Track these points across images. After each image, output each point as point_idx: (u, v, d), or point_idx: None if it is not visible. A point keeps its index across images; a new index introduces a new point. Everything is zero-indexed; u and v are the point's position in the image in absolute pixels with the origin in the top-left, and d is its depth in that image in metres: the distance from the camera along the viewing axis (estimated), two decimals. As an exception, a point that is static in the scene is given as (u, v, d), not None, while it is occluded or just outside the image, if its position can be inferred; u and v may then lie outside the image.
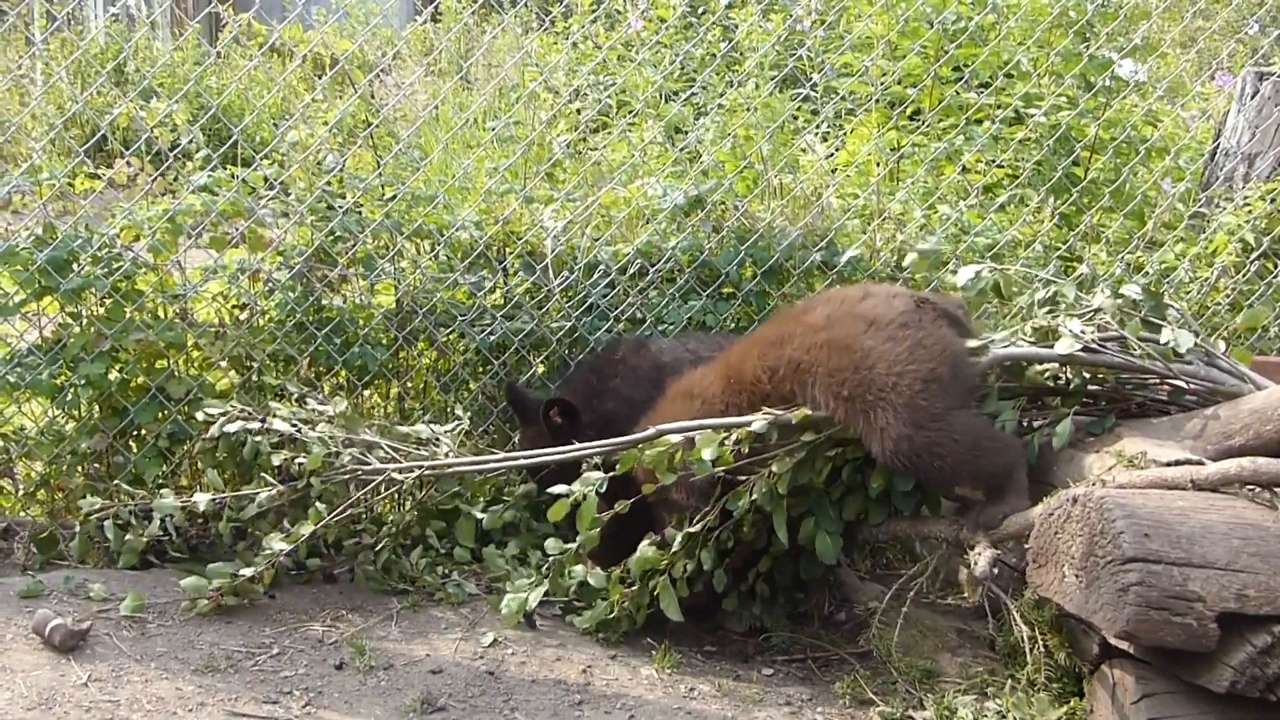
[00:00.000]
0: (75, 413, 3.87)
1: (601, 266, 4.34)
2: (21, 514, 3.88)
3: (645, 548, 3.31)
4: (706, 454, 3.18)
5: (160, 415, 3.84)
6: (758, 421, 3.23)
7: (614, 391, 3.85)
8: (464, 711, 2.96)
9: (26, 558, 3.67)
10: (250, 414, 3.60)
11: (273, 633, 3.28)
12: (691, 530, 3.27)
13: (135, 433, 3.87)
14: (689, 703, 3.09)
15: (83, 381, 3.75)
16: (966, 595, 3.77)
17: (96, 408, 3.86)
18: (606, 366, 3.96)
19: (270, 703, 2.91)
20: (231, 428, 3.56)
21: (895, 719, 3.07)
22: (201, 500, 3.51)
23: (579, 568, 3.44)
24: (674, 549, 3.28)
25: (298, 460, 3.49)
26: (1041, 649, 3.09)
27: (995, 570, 3.21)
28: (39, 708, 2.79)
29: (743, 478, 3.27)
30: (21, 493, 3.89)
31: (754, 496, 3.21)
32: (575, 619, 3.46)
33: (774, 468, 3.20)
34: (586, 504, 3.24)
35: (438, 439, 3.70)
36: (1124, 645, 2.81)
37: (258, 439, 3.53)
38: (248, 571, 3.35)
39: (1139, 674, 2.80)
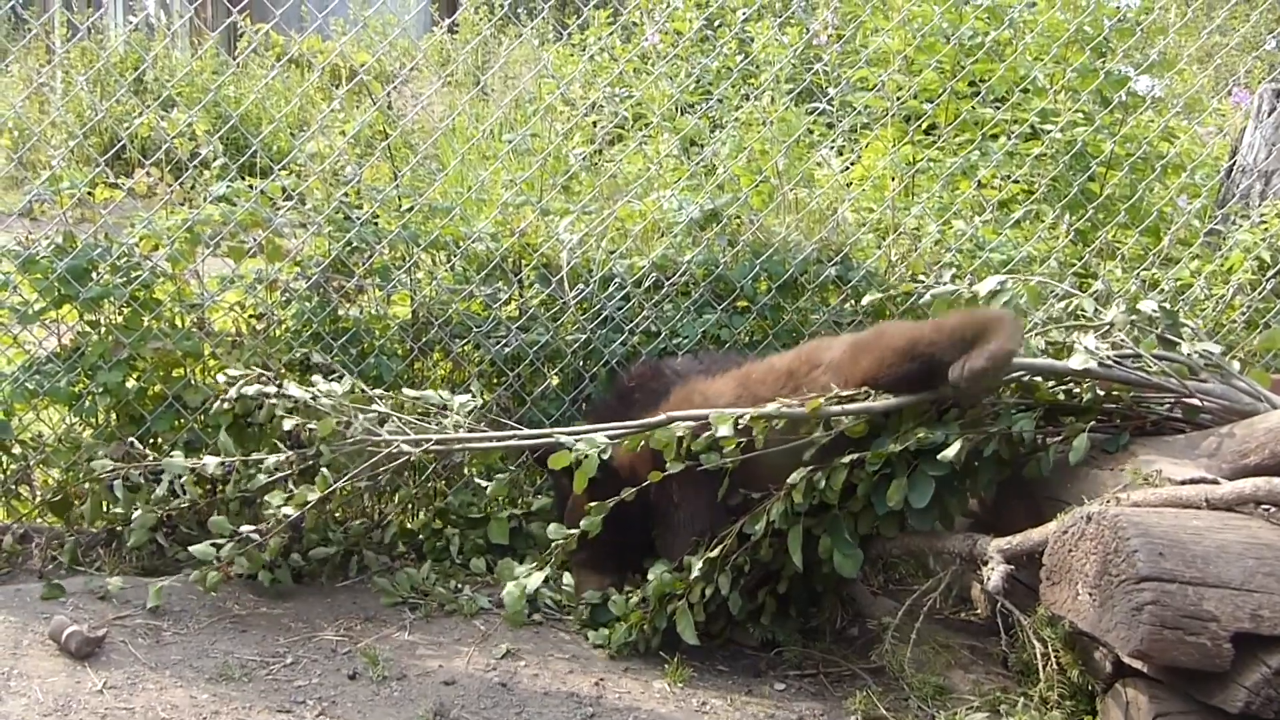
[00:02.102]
0: (93, 420, 3.89)
1: (617, 279, 4.35)
2: (38, 520, 3.90)
3: (663, 573, 3.33)
4: (723, 430, 3.21)
5: (177, 424, 3.86)
6: (771, 405, 3.27)
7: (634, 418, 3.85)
8: (476, 723, 2.97)
9: (43, 564, 3.70)
10: (268, 378, 3.62)
11: (286, 642, 3.29)
12: (711, 555, 3.28)
13: (152, 441, 3.90)
14: (701, 717, 3.09)
15: (100, 389, 3.78)
16: (979, 611, 3.76)
17: (114, 416, 3.88)
18: (625, 393, 3.97)
19: (284, 712, 2.93)
20: (249, 389, 3.57)
21: (907, 735, 3.07)
22: (211, 463, 3.52)
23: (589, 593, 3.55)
24: (693, 575, 3.29)
25: (309, 427, 3.50)
26: (1054, 667, 3.08)
27: (1008, 586, 3.21)
28: (54, 714, 2.81)
29: (757, 495, 3.29)
30: (38, 499, 3.91)
31: (772, 518, 3.22)
32: (590, 633, 3.47)
33: (791, 479, 3.22)
34: (588, 462, 3.26)
35: (447, 406, 3.70)
36: (1138, 664, 2.81)
37: (273, 401, 3.55)
38: (250, 529, 3.38)
39: (1153, 693, 2.79)
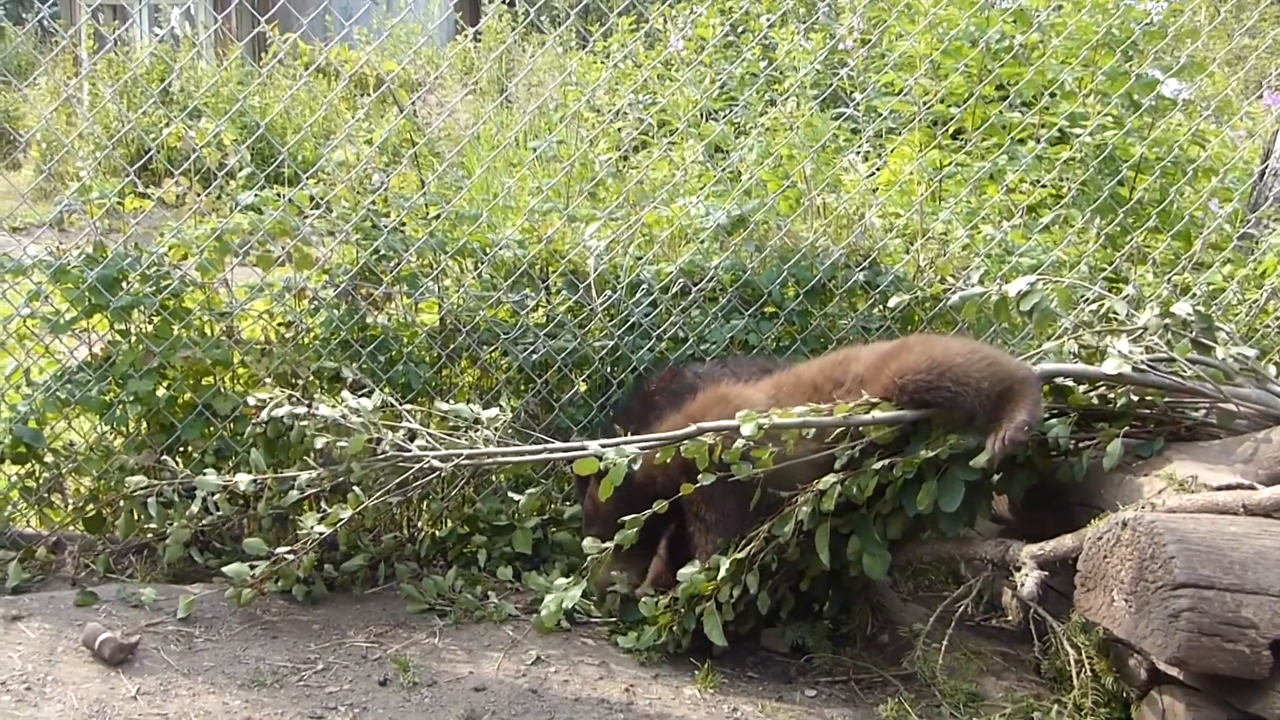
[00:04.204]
0: (124, 429, 3.91)
1: (644, 285, 4.34)
2: (70, 528, 3.93)
3: (693, 574, 3.31)
4: (747, 430, 3.20)
5: (207, 431, 3.88)
6: (798, 410, 3.26)
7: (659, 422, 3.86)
8: (507, 730, 2.97)
9: (76, 571, 3.72)
10: (297, 399, 3.64)
11: (317, 648, 3.30)
12: (739, 556, 3.27)
13: (182, 449, 3.91)
14: (732, 724, 3.08)
15: (131, 398, 3.80)
16: (1011, 618, 3.73)
17: (144, 424, 3.90)
18: (648, 398, 3.97)
19: (315, 718, 2.93)
20: (280, 411, 3.59)
21: (940, 743, 3.05)
22: (243, 480, 3.53)
23: (616, 584, 3.56)
24: (721, 575, 3.28)
25: (339, 444, 3.50)
26: (1088, 674, 3.05)
27: (1041, 592, 3.20)
28: (88, 720, 2.83)
29: (785, 494, 3.28)
30: (71, 507, 3.93)
31: (800, 518, 3.21)
32: (620, 639, 3.47)
33: (820, 485, 3.21)
34: (615, 470, 3.26)
35: (479, 420, 3.70)
36: (1174, 671, 2.78)
37: (304, 423, 3.56)
38: (284, 550, 3.39)
39: (1189, 701, 2.77)
